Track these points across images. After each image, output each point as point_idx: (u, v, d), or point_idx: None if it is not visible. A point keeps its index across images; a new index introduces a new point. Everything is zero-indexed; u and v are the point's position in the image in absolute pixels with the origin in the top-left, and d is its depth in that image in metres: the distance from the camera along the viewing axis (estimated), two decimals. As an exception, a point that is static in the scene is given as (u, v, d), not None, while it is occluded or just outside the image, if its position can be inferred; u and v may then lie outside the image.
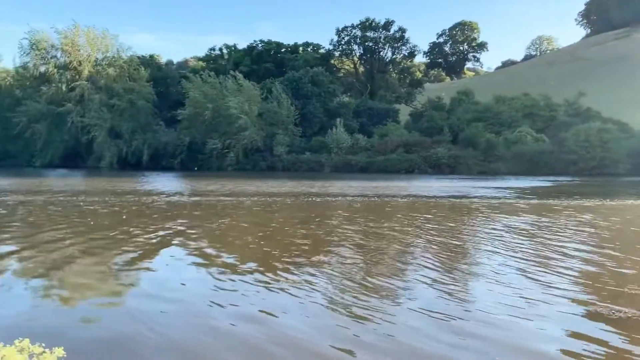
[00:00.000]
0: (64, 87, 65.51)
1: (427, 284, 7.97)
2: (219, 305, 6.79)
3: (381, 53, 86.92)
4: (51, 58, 67.46)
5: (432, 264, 9.32)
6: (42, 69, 68.04)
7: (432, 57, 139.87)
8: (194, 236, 12.51)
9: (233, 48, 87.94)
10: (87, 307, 6.81)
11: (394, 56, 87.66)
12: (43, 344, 2.91)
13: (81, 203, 20.04)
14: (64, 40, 65.89)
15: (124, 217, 16.11)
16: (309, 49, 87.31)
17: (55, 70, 66.72)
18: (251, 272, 8.58)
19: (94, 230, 13.22)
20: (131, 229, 13.29)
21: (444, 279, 8.26)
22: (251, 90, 62.78)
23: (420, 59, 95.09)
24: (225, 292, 7.47)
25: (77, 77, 65.14)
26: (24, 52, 67.34)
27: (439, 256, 10.07)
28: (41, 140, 62.08)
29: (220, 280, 8.14)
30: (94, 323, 6.13)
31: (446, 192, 28.47)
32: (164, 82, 74.21)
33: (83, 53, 66.86)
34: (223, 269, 8.86)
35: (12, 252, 10.25)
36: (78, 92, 63.04)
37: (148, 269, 9.13)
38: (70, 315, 6.42)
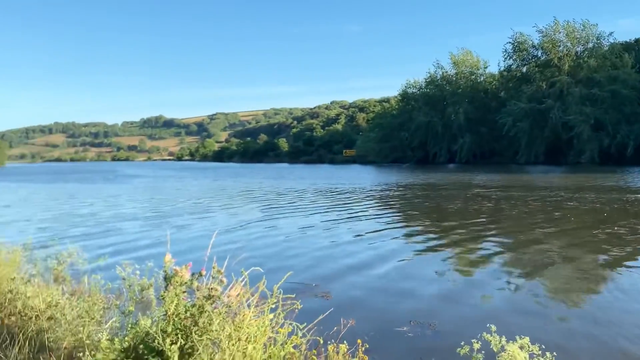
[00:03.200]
0: (543, 85, 66.69)
1: None
2: None
3: None
4: (532, 58, 70.17)
5: None
6: (524, 69, 71.59)
7: None
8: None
9: None
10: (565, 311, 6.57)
11: None
12: (542, 346, 2.93)
13: (560, 199, 19.86)
14: (544, 38, 67.22)
15: (605, 214, 15.03)
16: None
17: (536, 69, 68.92)
18: None
19: (573, 227, 12.85)
20: (615, 229, 12.25)
21: None
22: None
23: None
24: None
25: (556, 73, 65.16)
26: (507, 56, 72.38)
27: None
28: (524, 138, 64.59)
29: None
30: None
31: None
32: (653, 67, 65.71)
33: (562, 49, 66.46)
34: None
35: (497, 243, 10.98)
36: (557, 87, 62.97)
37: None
38: (541, 314, 6.31)
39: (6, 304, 4.29)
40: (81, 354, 2.70)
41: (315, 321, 3.09)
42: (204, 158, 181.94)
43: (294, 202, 20.67)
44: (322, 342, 3.03)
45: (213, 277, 2.96)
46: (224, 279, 2.95)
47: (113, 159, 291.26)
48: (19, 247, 7.41)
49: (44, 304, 4.04)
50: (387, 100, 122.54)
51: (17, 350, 3.09)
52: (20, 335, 3.23)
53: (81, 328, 3.67)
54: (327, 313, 3.28)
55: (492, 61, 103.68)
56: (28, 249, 7.98)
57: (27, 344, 3.15)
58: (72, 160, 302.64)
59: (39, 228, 14.04)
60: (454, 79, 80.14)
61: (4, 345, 3.19)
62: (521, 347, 2.91)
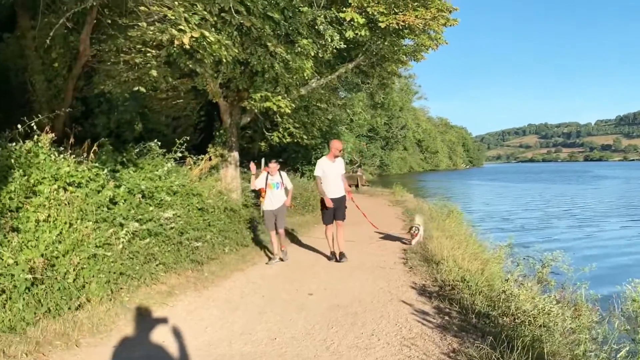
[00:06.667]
0: None
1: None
2: None
3: None
4: None
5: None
6: None
7: None
8: None
9: None
10: None
11: None
12: None
13: None
14: None
15: None
16: None
17: None
18: None
19: None
20: None
21: None
22: None
23: None
24: None
25: None
26: None
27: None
28: None
29: None
30: None
31: None
32: None
33: None
34: None
35: None
36: None
37: None
38: None
39: (499, 303, 4.34)
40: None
41: None
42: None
43: None
44: None
45: None
46: None
47: (585, 159, 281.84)
48: (503, 245, 7.72)
49: (536, 310, 3.91)
50: None
51: (515, 355, 3.01)
52: (518, 340, 3.14)
53: (577, 345, 3.36)
54: None
55: None
56: (510, 246, 8.24)
57: (524, 351, 3.04)
58: (543, 160, 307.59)
59: (513, 225, 14.56)
60: None
61: (501, 347, 3.16)
62: None
